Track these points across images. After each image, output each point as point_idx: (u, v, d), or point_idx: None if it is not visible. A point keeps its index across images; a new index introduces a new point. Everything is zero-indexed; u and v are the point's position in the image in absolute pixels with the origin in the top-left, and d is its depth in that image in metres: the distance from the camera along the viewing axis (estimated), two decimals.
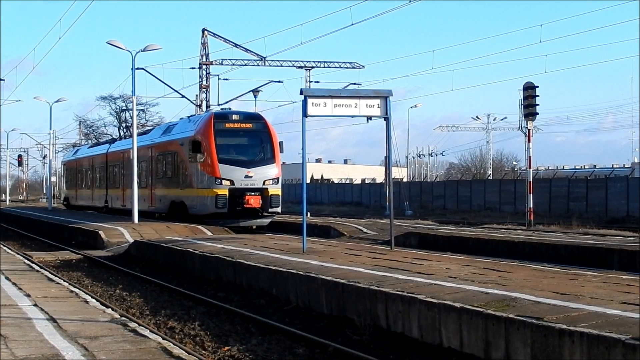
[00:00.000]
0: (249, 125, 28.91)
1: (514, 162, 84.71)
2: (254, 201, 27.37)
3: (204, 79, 48.77)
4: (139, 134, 34.28)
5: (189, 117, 33.87)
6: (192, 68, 49.08)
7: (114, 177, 39.50)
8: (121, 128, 69.74)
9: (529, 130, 29.94)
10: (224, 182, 27.32)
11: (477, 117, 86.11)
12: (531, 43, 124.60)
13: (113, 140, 49.71)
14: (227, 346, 9.75)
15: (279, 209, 28.62)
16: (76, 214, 39.10)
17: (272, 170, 28.26)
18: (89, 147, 51.19)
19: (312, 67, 50.04)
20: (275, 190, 28.06)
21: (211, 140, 27.75)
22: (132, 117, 34.05)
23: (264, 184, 27.75)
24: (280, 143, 29.05)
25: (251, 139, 28.98)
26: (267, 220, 28.57)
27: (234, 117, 29.09)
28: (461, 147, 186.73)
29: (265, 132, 28.86)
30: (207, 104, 46.84)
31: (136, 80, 30.54)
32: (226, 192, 27.23)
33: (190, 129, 29.77)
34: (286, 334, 10.38)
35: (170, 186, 30.99)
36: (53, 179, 61.19)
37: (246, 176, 27.56)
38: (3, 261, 16.82)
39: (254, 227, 28.36)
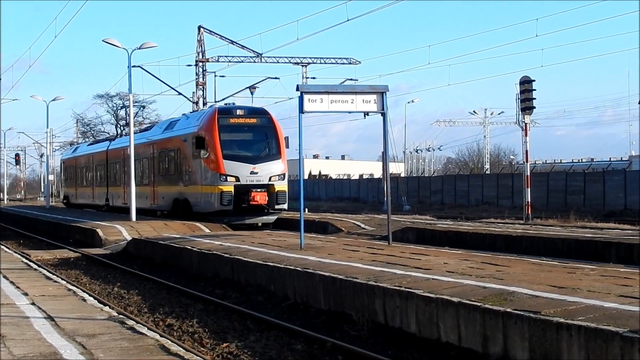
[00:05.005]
0: (253, 120, 28.25)
1: (512, 157, 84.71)
2: (260, 198, 26.71)
3: (200, 76, 48.66)
4: (140, 131, 34.17)
5: (191, 112, 33.46)
6: (189, 65, 48.95)
7: (115, 175, 39.00)
8: (118, 126, 69.68)
9: (526, 124, 29.94)
10: (229, 178, 26.67)
11: (474, 111, 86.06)
12: (527, 37, 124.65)
13: (114, 138, 49.51)
14: (225, 343, 9.75)
15: (285, 206, 27.91)
16: (74, 212, 39.03)
17: (278, 166, 27.67)
18: (88, 145, 50.76)
19: (309, 64, 49.95)
20: (281, 186, 27.40)
21: (215, 136, 27.12)
22: (129, 115, 33.95)
23: (269, 180, 27.10)
24: (286, 138, 28.35)
25: (256, 134, 28.29)
26: (273, 217, 27.95)
27: (239, 112, 28.38)
28: (459, 141, 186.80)
29: (270, 127, 28.23)
30: (203, 101, 46.74)
31: (133, 78, 30.50)
32: (231, 188, 26.57)
33: (193, 124, 29.15)
34: (284, 330, 10.38)
35: (173, 183, 30.41)
36: (51, 177, 61.12)
37: (252, 172, 26.90)
38: (1, 260, 16.80)
39: (260, 224, 27.72)
